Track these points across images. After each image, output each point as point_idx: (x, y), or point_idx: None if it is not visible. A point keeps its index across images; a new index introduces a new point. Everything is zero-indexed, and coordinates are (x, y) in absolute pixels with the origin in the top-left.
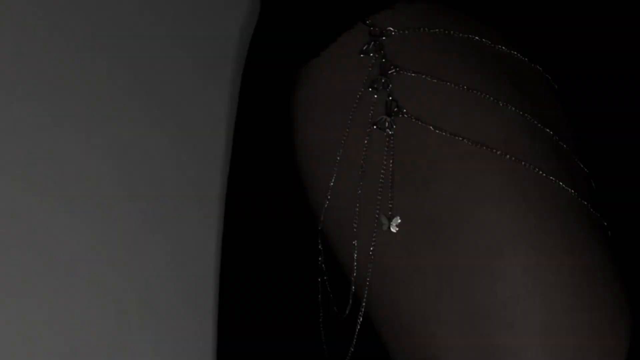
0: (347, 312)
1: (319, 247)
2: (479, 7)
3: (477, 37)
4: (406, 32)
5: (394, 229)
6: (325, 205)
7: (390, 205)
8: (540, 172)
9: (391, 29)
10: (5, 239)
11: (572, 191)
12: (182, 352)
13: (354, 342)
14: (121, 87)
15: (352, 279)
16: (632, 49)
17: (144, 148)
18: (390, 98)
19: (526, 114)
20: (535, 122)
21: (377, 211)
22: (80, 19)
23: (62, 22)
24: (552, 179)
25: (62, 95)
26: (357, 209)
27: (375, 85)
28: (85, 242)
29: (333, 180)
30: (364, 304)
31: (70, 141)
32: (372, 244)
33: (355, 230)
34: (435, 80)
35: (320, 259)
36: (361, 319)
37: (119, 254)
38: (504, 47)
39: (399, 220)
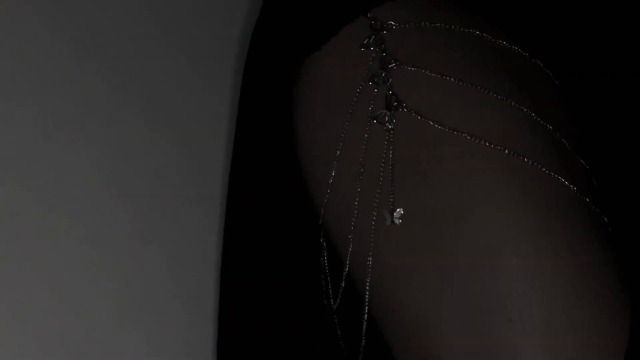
0: (334, 307)
1: (322, 241)
2: (480, 4)
3: (477, 32)
4: (407, 26)
5: (397, 222)
6: (325, 200)
7: (391, 201)
8: (541, 168)
9: (392, 22)
10: (5, 239)
11: (573, 187)
12: (182, 352)
13: (364, 340)
14: (121, 87)
15: (344, 273)
16: (633, 47)
17: (144, 148)
18: (391, 92)
19: (527, 109)
20: (536, 117)
21: (376, 206)
22: (80, 19)
23: (62, 22)
24: (552, 175)
25: (61, 96)
26: (357, 204)
27: (376, 79)
28: (85, 243)
29: (333, 174)
30: (366, 300)
31: (70, 141)
32: (372, 240)
33: (353, 225)
34: (435, 75)
35: (324, 255)
36: (366, 317)
37: (119, 254)
38: (504, 42)
39: (402, 212)
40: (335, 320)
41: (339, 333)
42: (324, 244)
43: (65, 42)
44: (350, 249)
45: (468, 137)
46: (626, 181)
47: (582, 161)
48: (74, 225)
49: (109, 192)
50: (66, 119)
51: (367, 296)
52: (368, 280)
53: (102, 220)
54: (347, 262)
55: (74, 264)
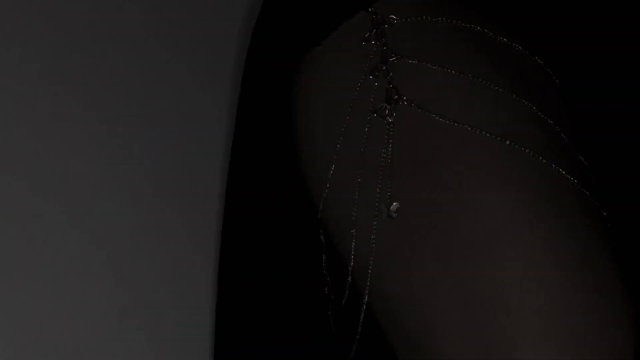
0: (344, 301)
1: (320, 237)
2: (481, 2)
3: (479, 28)
4: (408, 20)
5: (393, 215)
6: (324, 194)
7: (389, 193)
8: (542, 159)
9: (393, 17)
10: (6, 239)
11: (573, 179)
12: (182, 352)
13: (359, 332)
14: (121, 87)
15: (350, 268)
16: (633, 47)
17: (144, 148)
18: (391, 85)
19: (527, 102)
20: (536, 110)
21: (377, 199)
22: (80, 19)
23: (62, 22)
24: (552, 166)
25: (61, 96)
26: (356, 197)
27: (376, 73)
28: (84, 242)
29: (332, 168)
30: (366, 292)
31: (70, 141)
32: (372, 232)
33: (354, 218)
34: (436, 68)
35: (323, 249)
36: (365, 307)
37: (118, 253)
38: (505, 39)
39: (398, 206)
40: (330, 314)
41: (331, 322)
42: (323, 239)
43: (65, 42)
44: (354, 243)
45: (469, 129)
46: (625, 181)
47: (581, 158)
48: (74, 225)
49: (108, 191)
50: (66, 118)
51: (367, 287)
52: (369, 273)
53: (102, 220)
54: (352, 256)
55: (74, 263)
